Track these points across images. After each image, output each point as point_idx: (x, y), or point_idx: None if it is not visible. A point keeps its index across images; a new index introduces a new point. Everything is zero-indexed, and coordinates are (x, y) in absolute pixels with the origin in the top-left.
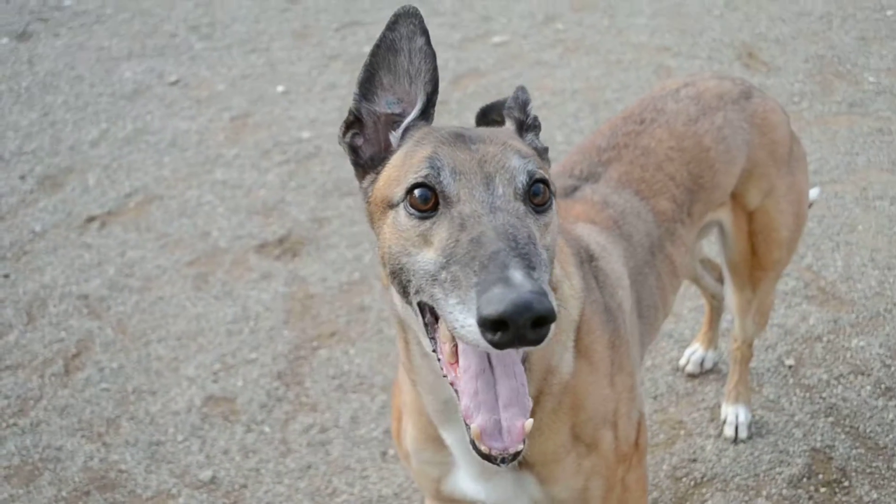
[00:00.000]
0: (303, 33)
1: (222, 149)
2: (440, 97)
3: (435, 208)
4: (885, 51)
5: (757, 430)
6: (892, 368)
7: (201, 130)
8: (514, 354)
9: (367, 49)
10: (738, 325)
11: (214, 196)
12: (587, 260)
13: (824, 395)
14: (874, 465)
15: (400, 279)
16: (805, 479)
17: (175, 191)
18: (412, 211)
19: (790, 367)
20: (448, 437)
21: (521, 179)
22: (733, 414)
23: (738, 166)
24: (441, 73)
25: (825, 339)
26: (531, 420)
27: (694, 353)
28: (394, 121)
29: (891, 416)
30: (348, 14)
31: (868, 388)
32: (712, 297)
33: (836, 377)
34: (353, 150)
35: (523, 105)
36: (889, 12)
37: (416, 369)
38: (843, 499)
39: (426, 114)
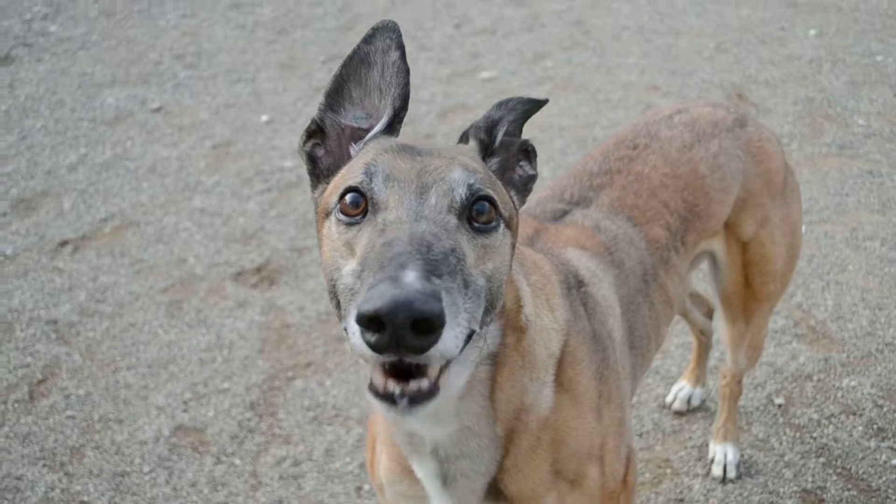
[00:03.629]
0: (290, 64)
1: (203, 176)
2: (427, 130)
3: (364, 215)
4: (874, 95)
5: (746, 469)
6: (885, 409)
7: (182, 157)
8: None
9: None
10: (731, 359)
11: (192, 223)
12: (576, 286)
13: (815, 434)
14: None
15: (335, 296)
16: None
17: (152, 217)
18: (341, 217)
19: (780, 405)
20: (419, 471)
21: (460, 192)
22: (721, 453)
23: (732, 195)
24: (428, 107)
25: (815, 378)
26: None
27: (681, 390)
28: (359, 136)
29: (883, 457)
30: (336, 46)
31: (860, 428)
32: (701, 333)
33: (826, 417)
34: (312, 160)
35: (491, 126)
36: (879, 58)
37: None
38: None
39: (391, 128)
